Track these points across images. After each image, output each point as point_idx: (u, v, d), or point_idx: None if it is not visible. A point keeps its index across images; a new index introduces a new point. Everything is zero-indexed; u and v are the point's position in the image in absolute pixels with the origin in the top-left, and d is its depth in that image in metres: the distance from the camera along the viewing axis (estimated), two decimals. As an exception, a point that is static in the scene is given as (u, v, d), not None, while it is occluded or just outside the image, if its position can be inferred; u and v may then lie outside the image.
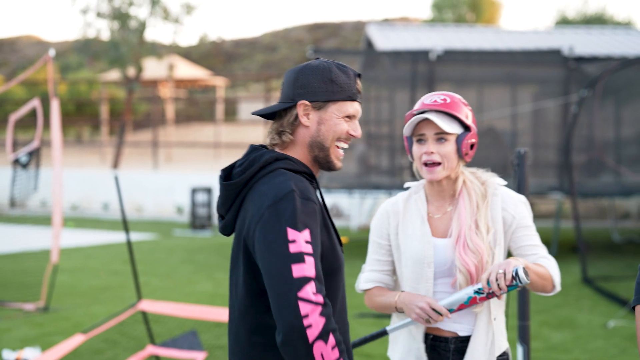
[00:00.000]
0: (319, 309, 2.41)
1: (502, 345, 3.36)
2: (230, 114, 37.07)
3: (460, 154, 3.31)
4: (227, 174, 2.74)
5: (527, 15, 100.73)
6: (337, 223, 20.79)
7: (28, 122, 23.99)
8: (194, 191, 19.77)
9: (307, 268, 2.44)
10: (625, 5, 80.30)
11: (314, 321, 2.40)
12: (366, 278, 3.48)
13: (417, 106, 3.35)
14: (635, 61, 14.87)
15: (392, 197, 3.52)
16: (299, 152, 2.74)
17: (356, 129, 2.76)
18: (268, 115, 2.81)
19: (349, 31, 49.27)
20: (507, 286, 3.04)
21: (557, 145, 15.65)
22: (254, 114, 2.81)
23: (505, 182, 3.44)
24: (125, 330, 8.42)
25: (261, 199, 2.55)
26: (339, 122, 2.71)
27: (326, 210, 2.73)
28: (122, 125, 28.20)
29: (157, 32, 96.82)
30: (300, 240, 2.46)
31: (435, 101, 3.31)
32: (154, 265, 13.73)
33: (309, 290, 2.42)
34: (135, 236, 17.91)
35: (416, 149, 3.32)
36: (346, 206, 21.96)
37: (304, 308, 2.40)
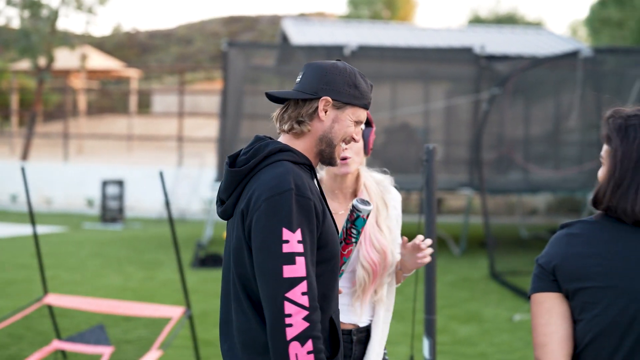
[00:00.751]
0: (304, 312, 2.52)
1: (387, 330, 3.51)
2: (144, 106, 36.64)
3: (365, 150, 3.40)
4: (232, 161, 2.84)
5: (441, 13, 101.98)
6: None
7: None
8: (105, 184, 19.48)
9: (297, 269, 2.54)
10: (536, 5, 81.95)
11: (296, 322, 2.51)
12: None
13: None
14: (545, 60, 15.19)
15: None
16: (307, 143, 2.85)
17: (358, 134, 2.91)
18: (278, 99, 2.91)
19: (265, 25, 49.19)
20: (352, 221, 3.10)
21: (468, 142, 15.89)
22: (269, 94, 2.89)
23: (393, 183, 3.54)
24: (31, 324, 8.27)
25: (261, 188, 2.65)
26: (350, 125, 2.85)
27: (324, 198, 2.85)
28: (32, 115, 27.65)
29: (69, 21, 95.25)
30: (293, 240, 2.57)
31: None
32: (63, 259, 13.50)
33: (298, 292, 2.53)
34: (44, 229, 17.58)
35: None
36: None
37: (288, 308, 2.51)
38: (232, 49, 15.52)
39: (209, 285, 11.39)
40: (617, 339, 2.41)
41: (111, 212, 19.42)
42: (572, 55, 14.47)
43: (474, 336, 8.63)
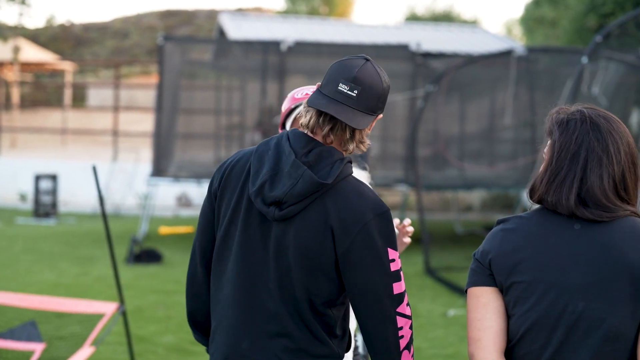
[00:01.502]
0: (409, 322, 2.76)
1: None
2: (79, 100, 36.15)
3: None
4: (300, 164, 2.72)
5: (379, 10, 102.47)
6: (187, 212, 20.63)
7: None
8: (38, 178, 19.19)
9: (402, 284, 2.75)
10: (471, 4, 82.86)
11: (405, 333, 2.74)
12: None
13: (288, 102, 3.43)
14: (479, 59, 15.37)
15: None
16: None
17: None
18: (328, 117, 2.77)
19: (202, 19, 48.91)
20: None
21: (404, 139, 16.01)
22: (334, 116, 2.72)
23: (372, 181, 3.69)
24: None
25: (361, 205, 2.71)
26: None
27: None
28: (-37, 108, 27.15)
29: (2, 13, 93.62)
30: (397, 258, 2.74)
31: (307, 94, 3.38)
32: (-6, 254, 13.29)
33: (404, 305, 2.74)
34: (-26, 224, 17.29)
35: None
36: (196, 196, 21.81)
37: (400, 322, 2.73)
38: (168, 43, 15.42)
39: (143, 281, 11.31)
40: (547, 333, 2.45)
41: (44, 206, 19.13)
42: (506, 54, 14.67)
43: (409, 331, 8.69)
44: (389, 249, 2.71)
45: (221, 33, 21.49)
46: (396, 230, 3.54)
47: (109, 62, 38.32)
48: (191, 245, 2.92)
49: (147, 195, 16.16)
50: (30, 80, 37.91)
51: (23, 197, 22.54)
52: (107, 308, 6.50)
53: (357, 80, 2.73)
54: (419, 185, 13.25)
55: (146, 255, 12.99)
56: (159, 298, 10.16)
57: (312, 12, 40.82)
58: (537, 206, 2.59)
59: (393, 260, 2.71)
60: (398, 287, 2.71)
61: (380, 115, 2.80)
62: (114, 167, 21.88)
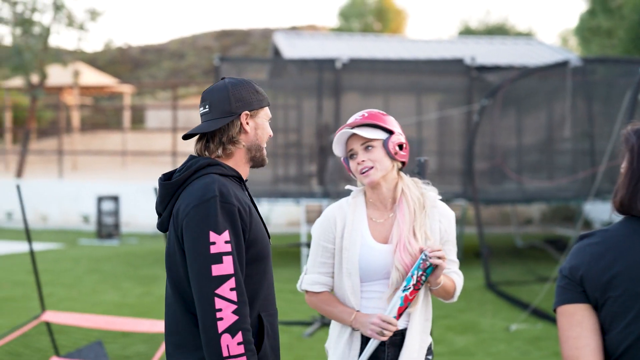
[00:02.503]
0: (233, 306, 2.80)
1: (428, 339, 3.61)
2: (138, 122, 36.66)
3: (390, 155, 3.56)
4: (168, 178, 3.13)
5: (432, 25, 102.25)
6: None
7: None
8: (100, 200, 19.51)
9: (225, 267, 2.83)
10: (526, 16, 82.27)
11: (226, 316, 2.79)
12: (312, 280, 3.67)
13: (340, 129, 3.62)
14: (534, 71, 15.27)
15: (336, 202, 3.73)
16: (238, 158, 3.14)
17: (270, 130, 3.24)
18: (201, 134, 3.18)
19: (257, 38, 49.27)
20: (424, 269, 3.39)
21: (462, 153, 15.95)
22: (188, 134, 3.18)
23: (441, 197, 3.69)
24: (29, 342, 8.28)
25: (189, 198, 2.96)
26: (267, 125, 3.21)
27: (255, 206, 3.14)
28: (26, 133, 27.67)
29: (61, 38, 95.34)
30: (219, 241, 2.86)
31: (356, 119, 3.62)
32: (59, 275, 13.52)
33: (226, 288, 2.82)
34: (40, 246, 17.59)
35: (352, 164, 3.62)
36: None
37: (219, 303, 2.79)
38: (224, 63, 15.59)
39: (205, 299, 11.39)
40: None
41: (107, 227, 19.44)
42: (562, 65, 14.56)
43: (471, 346, 8.68)
44: (211, 232, 2.86)
45: (276, 52, 21.65)
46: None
47: (166, 83, 38.76)
48: (269, 246, 3.18)
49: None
50: (90, 103, 38.53)
51: (86, 219, 22.91)
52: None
53: (205, 98, 3.17)
54: (476, 199, 13.20)
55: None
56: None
57: (366, 29, 40.90)
58: (620, 217, 2.55)
59: (214, 243, 2.85)
60: (217, 269, 2.83)
61: (247, 112, 3.12)
62: (174, 188, 22.11)
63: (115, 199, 19.64)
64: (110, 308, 10.58)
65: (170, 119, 29.08)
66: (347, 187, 3.75)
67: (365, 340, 3.54)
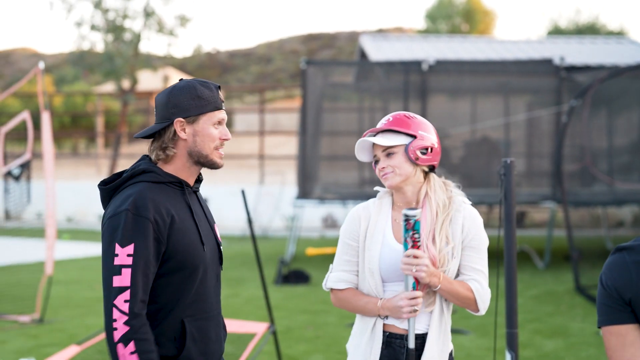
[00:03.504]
0: (125, 318, 2.93)
1: (450, 345, 3.61)
2: (227, 126, 37.09)
3: (412, 161, 3.55)
4: (109, 181, 3.21)
5: (521, 25, 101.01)
6: (333, 233, 20.82)
7: (23, 135, 24.00)
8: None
9: (123, 279, 2.95)
10: (617, 14, 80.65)
11: (119, 326, 2.92)
12: (337, 278, 3.68)
13: (364, 135, 3.67)
14: (625, 70, 14.95)
15: (363, 202, 3.76)
16: (178, 163, 3.19)
17: (226, 134, 3.28)
18: (149, 135, 3.24)
19: (343, 42, 49.40)
20: (412, 227, 3.36)
21: (550, 154, 15.72)
22: (136, 137, 3.25)
23: (470, 202, 3.67)
24: (120, 341, 8.43)
25: (111, 207, 3.08)
26: (212, 130, 3.21)
27: (202, 211, 3.30)
28: (117, 137, 28.26)
29: (151, 44, 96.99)
30: (122, 254, 2.97)
31: (381, 124, 3.64)
32: (149, 277, 13.73)
33: (121, 299, 2.93)
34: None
35: (376, 169, 3.64)
36: (341, 216, 22.01)
37: (115, 313, 2.93)
38: (310, 67, 15.66)
39: (291, 301, 11.49)
40: None
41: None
42: (655, 63, 14.22)
43: (560, 350, 8.54)
44: (117, 245, 2.96)
45: (362, 55, 21.66)
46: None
47: (254, 87, 39.14)
48: (203, 255, 3.24)
49: (293, 217, 16.42)
50: (179, 108, 39.07)
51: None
52: (258, 328, 6.66)
53: (154, 100, 3.23)
54: (565, 201, 12.98)
55: (294, 276, 13.19)
56: (308, 318, 10.30)
57: (453, 30, 40.63)
58: None
59: (117, 255, 2.96)
60: (118, 281, 2.94)
61: (181, 119, 3.14)
62: (261, 190, 22.33)
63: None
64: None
65: (257, 123, 29.34)
66: (376, 188, 3.77)
67: (385, 340, 3.55)
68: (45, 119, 10.33)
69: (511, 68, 16.24)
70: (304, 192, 15.40)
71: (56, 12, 52.18)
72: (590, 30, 35.89)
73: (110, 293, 2.94)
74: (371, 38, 21.64)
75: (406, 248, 3.39)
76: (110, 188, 3.15)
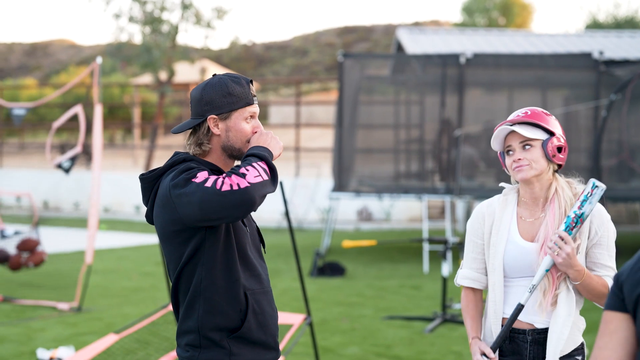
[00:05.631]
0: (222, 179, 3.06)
1: (578, 339, 3.58)
2: (261, 118, 37.05)
3: (548, 157, 3.56)
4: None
5: (559, 18, 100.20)
6: (368, 226, 20.83)
7: (63, 125, 24.20)
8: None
9: (200, 175, 3.06)
10: (658, 8, 79.71)
11: (225, 181, 3.04)
12: (463, 274, 3.78)
13: (500, 124, 3.66)
14: (666, 65, 14.82)
15: (487, 199, 3.80)
16: (216, 157, 3.31)
17: (257, 126, 3.35)
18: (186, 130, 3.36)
19: (379, 35, 49.29)
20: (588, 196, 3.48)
21: (588, 149, 15.61)
22: (173, 132, 3.40)
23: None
24: (157, 330, 8.54)
25: (163, 185, 3.17)
26: (245, 125, 3.29)
27: None
28: (154, 128, 28.44)
29: (189, 36, 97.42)
30: (200, 178, 3.05)
31: (518, 116, 3.64)
32: (185, 267, 13.82)
33: (217, 182, 3.02)
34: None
35: (507, 159, 3.65)
36: (376, 209, 22.03)
37: (219, 184, 3.01)
38: (347, 59, 15.67)
39: (327, 293, 11.52)
40: None
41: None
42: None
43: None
44: (192, 180, 3.10)
45: (399, 48, 21.62)
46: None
47: (290, 80, 39.19)
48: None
49: (329, 210, 16.45)
50: (216, 100, 39.18)
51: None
52: (295, 319, 6.70)
53: (190, 95, 3.35)
54: (603, 197, 12.89)
55: (329, 268, 13.22)
56: (343, 310, 10.33)
57: (490, 24, 40.40)
58: None
59: (194, 183, 3.09)
60: (204, 182, 3.07)
61: (214, 116, 3.24)
62: (297, 183, 22.39)
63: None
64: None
65: (293, 115, 29.39)
66: (501, 184, 3.79)
67: (509, 335, 3.61)
68: (98, 112, 10.45)
69: (549, 62, 16.13)
70: (340, 184, 15.42)
71: (94, 3, 52.45)
72: (629, 24, 35.53)
73: (208, 189, 2.99)
74: (408, 31, 21.59)
75: (568, 222, 3.44)
76: (152, 177, 3.26)
